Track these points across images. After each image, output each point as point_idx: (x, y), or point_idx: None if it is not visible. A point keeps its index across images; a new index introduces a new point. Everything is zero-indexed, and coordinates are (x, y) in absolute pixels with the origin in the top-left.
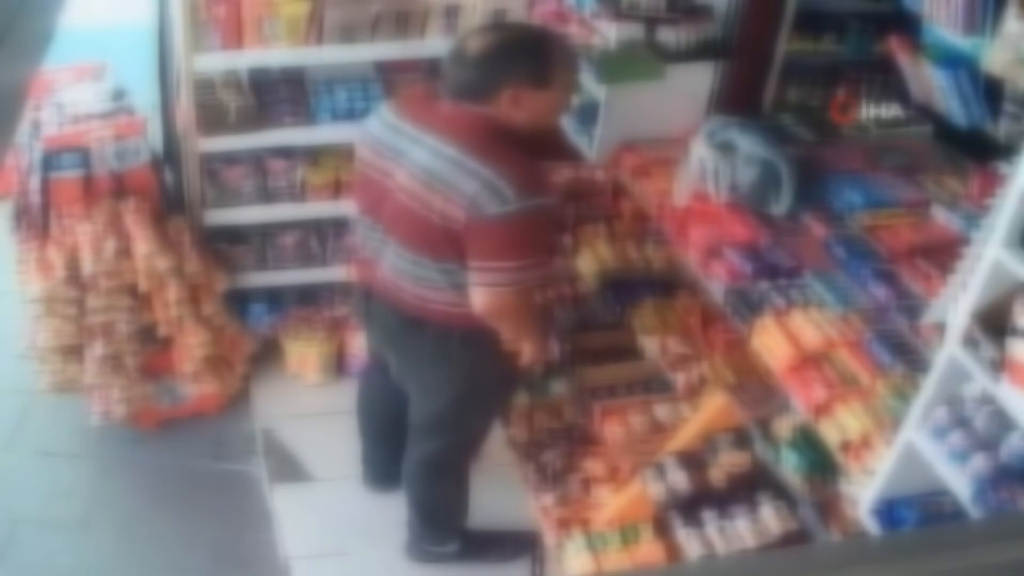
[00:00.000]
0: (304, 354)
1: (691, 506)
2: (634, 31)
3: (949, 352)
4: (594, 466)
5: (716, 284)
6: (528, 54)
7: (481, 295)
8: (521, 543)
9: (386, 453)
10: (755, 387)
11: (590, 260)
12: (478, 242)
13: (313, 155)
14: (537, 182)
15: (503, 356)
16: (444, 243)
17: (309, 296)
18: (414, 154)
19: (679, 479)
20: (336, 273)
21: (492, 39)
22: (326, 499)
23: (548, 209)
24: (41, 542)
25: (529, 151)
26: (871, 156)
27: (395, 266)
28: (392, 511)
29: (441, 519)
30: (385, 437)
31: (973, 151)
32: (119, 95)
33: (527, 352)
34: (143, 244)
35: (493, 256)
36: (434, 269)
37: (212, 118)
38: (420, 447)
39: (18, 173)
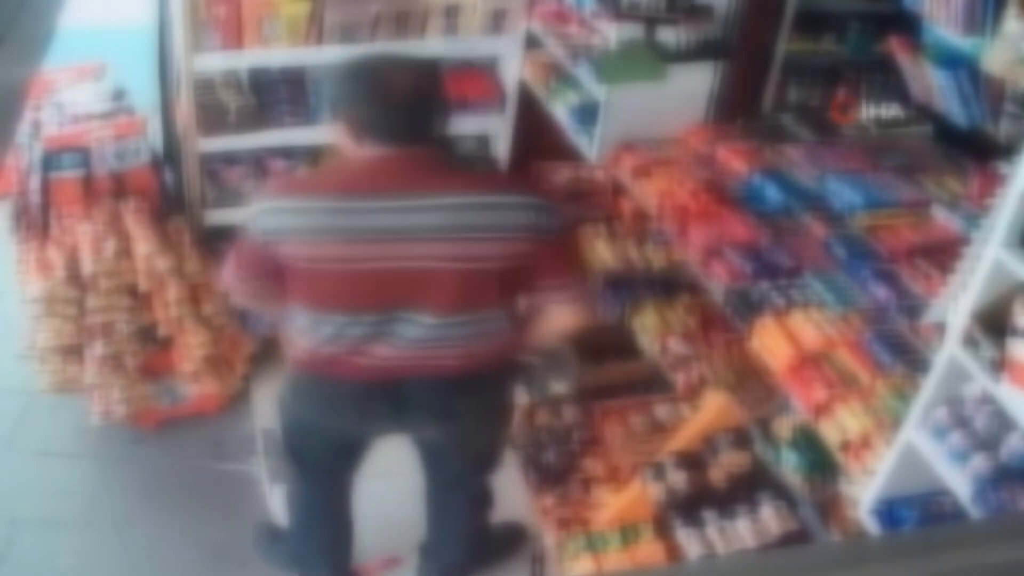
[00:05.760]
0: None
1: (691, 506)
2: (634, 31)
3: (949, 352)
4: (594, 466)
5: (716, 284)
6: (441, 73)
7: (573, 309)
8: (516, 539)
9: (348, 554)
10: (755, 387)
11: (590, 260)
12: (555, 258)
13: (313, 155)
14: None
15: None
16: (505, 289)
17: None
18: (424, 220)
19: (679, 479)
20: None
21: (419, 66)
22: None
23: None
24: (41, 542)
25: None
26: (871, 156)
27: (422, 338)
28: (392, 510)
29: (483, 544)
30: (349, 536)
31: (973, 151)
32: (119, 95)
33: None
34: (143, 244)
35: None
36: (480, 320)
37: (212, 118)
38: (464, 490)
39: (18, 173)
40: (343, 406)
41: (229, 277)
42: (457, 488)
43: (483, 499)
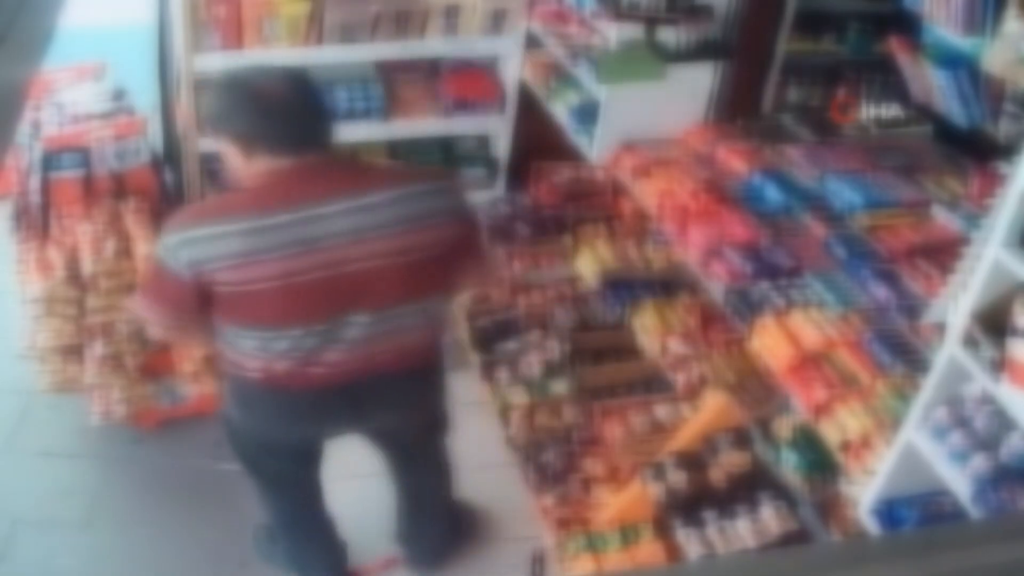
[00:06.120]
0: None
1: (691, 506)
2: (634, 31)
3: (949, 352)
4: (594, 466)
5: (716, 284)
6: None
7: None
8: (473, 517)
9: (341, 553)
10: (755, 387)
11: (590, 260)
12: (471, 235)
13: None
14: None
15: None
16: (437, 274)
17: None
18: (358, 221)
19: (679, 479)
20: None
21: (293, 75)
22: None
23: None
24: (41, 542)
25: None
26: (871, 156)
27: (370, 336)
28: (385, 510)
29: (457, 515)
30: (334, 536)
31: (973, 151)
32: (119, 95)
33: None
34: (143, 244)
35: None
36: (422, 308)
37: None
38: (429, 461)
39: (18, 173)
40: (301, 416)
41: (148, 313)
42: (422, 461)
43: (447, 465)
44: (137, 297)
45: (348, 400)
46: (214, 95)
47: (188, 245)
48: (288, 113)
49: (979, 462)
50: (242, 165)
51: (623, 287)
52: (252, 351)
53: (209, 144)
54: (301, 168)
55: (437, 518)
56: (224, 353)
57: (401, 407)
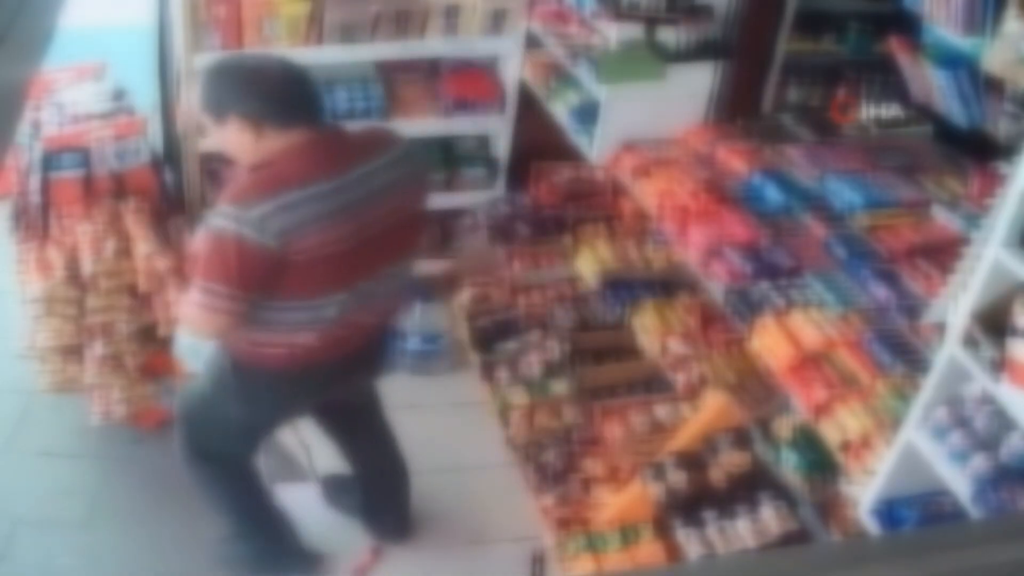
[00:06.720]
0: None
1: (691, 506)
2: (634, 31)
3: (949, 352)
4: (594, 466)
5: (716, 284)
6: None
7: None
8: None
9: (301, 539)
10: (755, 387)
11: (590, 260)
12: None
13: None
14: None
15: None
16: (422, 227)
17: None
18: (383, 180)
19: (679, 479)
20: None
21: (277, 56)
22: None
23: None
24: (41, 542)
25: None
26: (871, 156)
27: (390, 291)
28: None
29: None
30: (290, 521)
31: (973, 151)
32: (119, 95)
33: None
34: (143, 244)
35: None
36: (413, 260)
37: None
38: (387, 431)
39: (18, 173)
40: (318, 385)
41: (220, 301)
42: (382, 428)
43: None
44: (202, 286)
45: (358, 360)
46: (213, 82)
47: (278, 214)
48: (292, 86)
49: (979, 462)
50: (252, 145)
51: (623, 287)
52: (299, 324)
53: (209, 144)
54: (320, 137)
55: (402, 485)
56: (246, 341)
57: (385, 361)
